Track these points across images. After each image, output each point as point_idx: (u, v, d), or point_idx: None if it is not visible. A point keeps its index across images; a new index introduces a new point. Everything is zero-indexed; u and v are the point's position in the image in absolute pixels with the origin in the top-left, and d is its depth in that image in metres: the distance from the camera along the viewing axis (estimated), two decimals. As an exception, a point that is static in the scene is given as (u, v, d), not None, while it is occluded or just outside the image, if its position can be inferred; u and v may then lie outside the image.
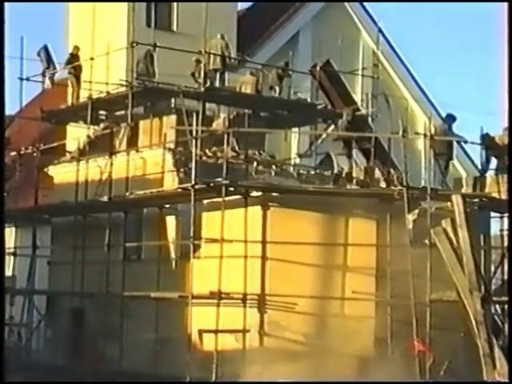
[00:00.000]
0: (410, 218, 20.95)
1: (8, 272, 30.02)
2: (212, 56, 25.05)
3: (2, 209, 21.77)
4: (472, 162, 24.38)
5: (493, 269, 23.82)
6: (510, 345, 8.59)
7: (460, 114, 23.35)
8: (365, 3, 32.77)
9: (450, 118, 23.60)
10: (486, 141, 22.83)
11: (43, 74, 27.85)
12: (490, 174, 23.15)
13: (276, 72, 26.08)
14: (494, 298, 22.14)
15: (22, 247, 28.91)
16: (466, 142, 23.93)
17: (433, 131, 22.29)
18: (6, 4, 20.97)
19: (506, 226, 23.80)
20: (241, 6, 30.64)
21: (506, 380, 18.99)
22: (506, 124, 22.83)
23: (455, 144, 23.77)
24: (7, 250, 29.32)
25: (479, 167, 23.95)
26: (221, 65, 25.29)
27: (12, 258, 29.30)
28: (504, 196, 22.22)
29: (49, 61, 27.64)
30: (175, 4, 29.00)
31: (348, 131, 23.98)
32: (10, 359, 25.71)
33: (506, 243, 23.90)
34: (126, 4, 28.16)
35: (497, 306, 22.82)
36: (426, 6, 68.64)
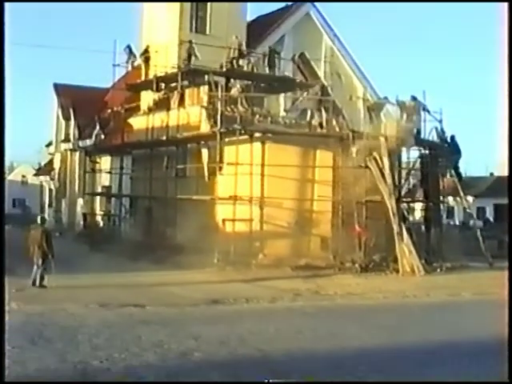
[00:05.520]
0: (354, 150, 20.71)
1: (106, 183, 29.83)
2: (231, 49, 24.36)
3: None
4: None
5: (403, 181, 23.42)
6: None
7: (387, 88, 22.66)
8: (325, 16, 31.33)
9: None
10: (401, 104, 22.36)
11: (127, 62, 27.29)
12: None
13: (267, 58, 25.27)
14: (403, 199, 22.39)
15: (114, 168, 28.62)
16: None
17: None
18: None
19: (411, 155, 23.35)
20: (248, 17, 29.42)
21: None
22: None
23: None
24: (106, 171, 29.11)
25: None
26: (237, 54, 24.50)
27: (109, 175, 29.20)
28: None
29: (130, 53, 27.22)
30: (208, 16, 27.83)
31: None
32: (108, 237, 25.66)
33: (410, 166, 23.58)
34: (178, 16, 27.06)
35: (404, 204, 22.75)
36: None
